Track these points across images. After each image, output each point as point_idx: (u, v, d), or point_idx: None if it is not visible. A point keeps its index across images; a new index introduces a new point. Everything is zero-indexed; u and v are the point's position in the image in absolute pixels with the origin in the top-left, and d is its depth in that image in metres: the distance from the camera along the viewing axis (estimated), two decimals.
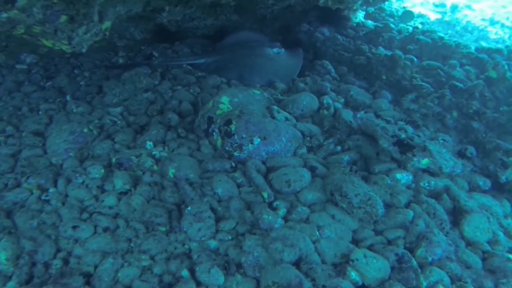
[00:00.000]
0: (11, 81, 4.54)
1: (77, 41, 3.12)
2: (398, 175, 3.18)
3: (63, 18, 2.91)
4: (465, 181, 3.43)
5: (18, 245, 2.49)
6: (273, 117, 3.70)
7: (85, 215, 2.84)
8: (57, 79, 4.66)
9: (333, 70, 5.07)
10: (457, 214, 3.03)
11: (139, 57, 5.42)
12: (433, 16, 8.61)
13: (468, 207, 2.99)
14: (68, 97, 4.30)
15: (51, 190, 3.02)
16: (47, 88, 4.52)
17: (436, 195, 3.15)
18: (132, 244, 2.65)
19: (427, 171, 3.29)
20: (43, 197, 2.96)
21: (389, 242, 2.71)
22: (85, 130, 3.54)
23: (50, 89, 4.50)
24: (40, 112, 3.97)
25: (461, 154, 3.62)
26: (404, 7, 8.16)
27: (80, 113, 3.97)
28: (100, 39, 3.51)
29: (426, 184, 3.19)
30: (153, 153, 3.42)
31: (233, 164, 3.28)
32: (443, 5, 9.35)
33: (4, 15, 2.43)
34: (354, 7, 5.18)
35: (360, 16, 6.62)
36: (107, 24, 3.45)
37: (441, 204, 3.04)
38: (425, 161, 3.22)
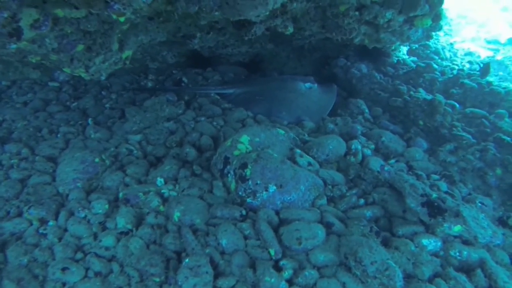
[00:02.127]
0: (40, 99, 4.63)
1: (94, 70, 3.05)
2: (425, 241, 2.83)
3: (80, 47, 2.84)
4: (506, 253, 2.99)
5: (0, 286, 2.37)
6: (294, 161, 3.47)
7: (79, 255, 2.72)
8: (83, 99, 4.69)
9: (367, 111, 4.78)
10: None
11: (168, 82, 5.39)
12: (484, 54, 8.10)
13: None
14: (90, 121, 4.27)
15: (51, 223, 2.94)
16: (72, 108, 4.57)
17: (468, 269, 2.76)
18: None
19: (459, 238, 2.92)
20: (41, 230, 2.87)
21: None
22: (97, 160, 3.45)
23: (74, 110, 4.54)
24: (58, 135, 3.99)
25: (502, 222, 3.20)
26: (451, 43, 7.73)
27: (97, 139, 3.93)
28: (120, 67, 3.43)
29: (457, 254, 2.82)
30: (163, 191, 3.26)
31: (244, 212, 3.05)
32: (496, 42, 8.81)
33: (13, 46, 2.38)
34: (393, 47, 4.88)
35: (402, 51, 6.30)
36: (127, 53, 3.37)
37: (473, 281, 2.65)
38: (457, 228, 2.86)
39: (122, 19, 2.46)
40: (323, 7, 3.58)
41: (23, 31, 2.20)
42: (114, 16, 2.32)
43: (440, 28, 4.47)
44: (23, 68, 5.21)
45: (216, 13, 2.74)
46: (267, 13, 2.80)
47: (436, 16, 3.62)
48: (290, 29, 3.62)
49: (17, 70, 5.21)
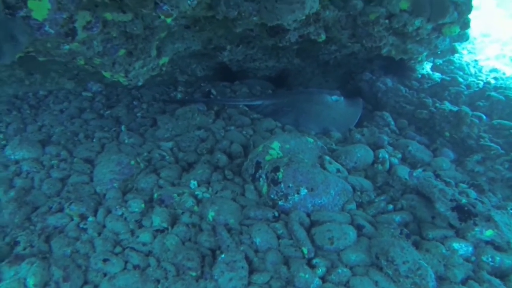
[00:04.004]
0: (75, 107, 4.84)
1: (133, 75, 3.22)
2: (456, 245, 2.85)
3: (122, 51, 3.02)
4: None
5: (48, 271, 2.49)
6: (324, 168, 3.55)
7: (118, 249, 2.81)
8: (116, 108, 4.88)
9: (392, 123, 4.85)
10: None
11: (197, 94, 5.56)
12: (509, 71, 8.09)
13: None
14: (123, 127, 4.44)
15: (90, 219, 3.05)
16: (105, 116, 4.76)
17: (502, 275, 2.76)
18: (159, 286, 2.55)
19: (491, 243, 2.93)
20: (81, 225, 2.99)
21: None
22: (132, 162, 3.58)
23: (108, 118, 4.72)
24: (94, 140, 4.16)
25: None
26: (476, 60, 7.76)
27: (131, 144, 4.08)
28: (156, 73, 3.61)
29: (490, 259, 2.82)
30: (196, 193, 3.37)
31: (276, 214, 3.13)
32: None
33: (66, 47, 2.56)
34: (420, 59, 4.97)
35: (426, 67, 6.37)
36: (164, 59, 3.55)
37: (508, 286, 2.66)
38: (489, 233, 2.88)
39: (169, 20, 2.62)
40: (353, 16, 3.73)
41: (77, 32, 2.38)
42: (162, 17, 2.49)
43: (467, 38, 4.54)
44: (59, 78, 5.50)
45: (254, 18, 2.88)
46: (303, 17, 2.94)
47: (464, 24, 3.72)
48: (323, 37, 3.76)
49: (54, 81, 5.50)
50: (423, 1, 3.61)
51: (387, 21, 3.69)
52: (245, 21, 3.13)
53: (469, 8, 3.73)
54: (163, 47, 3.47)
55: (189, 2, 2.38)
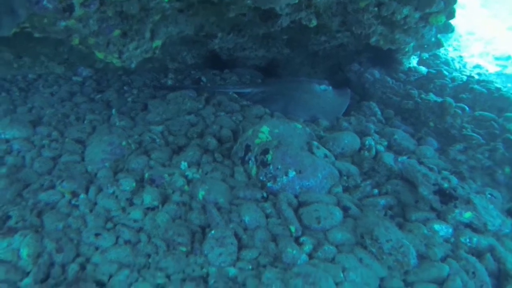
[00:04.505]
0: (65, 91, 4.83)
1: (127, 56, 3.25)
2: (437, 226, 2.98)
3: (116, 32, 3.06)
4: None
5: (41, 244, 2.53)
6: (312, 153, 3.63)
7: (109, 225, 2.86)
8: (106, 93, 4.89)
9: (379, 113, 4.96)
10: (502, 279, 2.78)
11: (187, 81, 5.59)
12: (492, 69, 8.31)
13: None
14: (113, 111, 4.45)
15: (82, 196, 3.08)
16: (96, 100, 4.76)
17: (478, 254, 2.91)
18: (150, 260, 2.61)
19: (469, 226, 3.06)
20: (73, 202, 3.03)
21: None
22: (124, 143, 3.63)
23: (98, 101, 4.73)
24: (85, 122, 4.17)
25: (511, 213, 3.36)
26: (460, 56, 7.95)
27: (122, 127, 4.10)
28: (149, 56, 3.64)
29: (467, 240, 2.96)
30: (186, 173, 3.43)
31: (265, 195, 3.22)
32: (505, 58, 9.02)
33: (63, 23, 2.59)
34: (406, 49, 5.10)
35: (413, 61, 6.51)
36: (157, 42, 3.59)
37: (483, 264, 2.80)
38: (467, 215, 3.01)
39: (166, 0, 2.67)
40: (344, 3, 3.82)
41: (75, 8, 2.42)
42: None
43: (452, 30, 4.67)
44: (48, 62, 5.48)
45: (248, 1, 2.94)
46: (296, 1, 3.00)
47: (450, 14, 3.85)
48: (314, 22, 3.84)
49: (43, 65, 5.48)
50: None
51: (376, 9, 3.79)
52: (238, 5, 3.19)
53: None
54: (157, 30, 3.50)
55: None
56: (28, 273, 2.38)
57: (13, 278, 2.32)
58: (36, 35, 2.79)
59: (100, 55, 3.32)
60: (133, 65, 3.54)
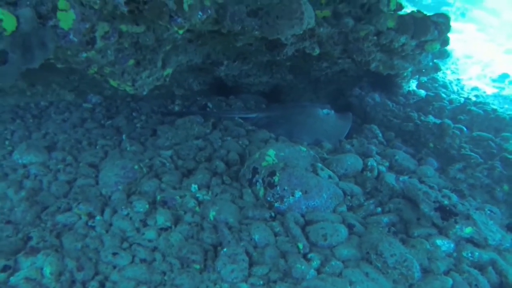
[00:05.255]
0: (77, 117, 5.04)
1: (139, 84, 3.46)
2: (439, 241, 3.10)
3: (131, 61, 3.27)
4: None
5: (63, 262, 2.66)
6: (316, 174, 3.78)
7: (125, 245, 2.99)
8: (116, 119, 5.09)
9: (380, 135, 5.13)
10: None
11: (194, 107, 5.78)
12: (490, 91, 8.53)
13: None
14: (124, 136, 4.64)
15: (98, 217, 3.23)
16: (106, 126, 4.95)
17: (480, 268, 3.01)
18: (165, 277, 2.74)
19: (470, 241, 3.18)
20: (90, 223, 3.17)
21: None
22: (136, 167, 3.78)
23: (109, 127, 4.92)
24: (97, 147, 4.36)
25: (510, 228, 3.47)
26: (458, 79, 8.18)
27: (133, 151, 4.27)
28: (160, 84, 3.84)
29: (469, 255, 3.07)
30: (197, 195, 3.57)
31: (273, 214, 3.36)
32: (501, 80, 9.25)
33: (84, 55, 2.80)
34: (405, 74, 5.32)
35: (412, 85, 6.72)
36: (168, 70, 3.79)
37: (485, 277, 2.91)
38: (468, 230, 3.13)
39: (181, 31, 2.88)
40: (345, 33, 4.05)
41: (97, 41, 2.63)
42: (175, 28, 2.74)
43: (448, 55, 4.90)
44: (60, 90, 5.70)
45: (256, 32, 3.16)
46: (301, 32, 3.23)
47: (444, 41, 4.08)
48: (317, 51, 4.06)
49: (55, 92, 5.70)
50: (408, 21, 3.97)
51: (375, 37, 4.03)
52: (247, 35, 3.41)
53: (447, 27, 4.12)
54: (168, 59, 3.72)
55: (199, 16, 2.65)
56: None
57: None
58: (59, 66, 3.00)
59: (114, 83, 3.52)
60: (144, 93, 3.74)
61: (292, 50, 4.02)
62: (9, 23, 2.01)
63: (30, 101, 5.58)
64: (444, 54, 4.81)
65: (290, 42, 3.84)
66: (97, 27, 2.56)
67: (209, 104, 5.82)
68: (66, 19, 2.32)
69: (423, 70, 5.75)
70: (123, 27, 2.83)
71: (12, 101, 5.49)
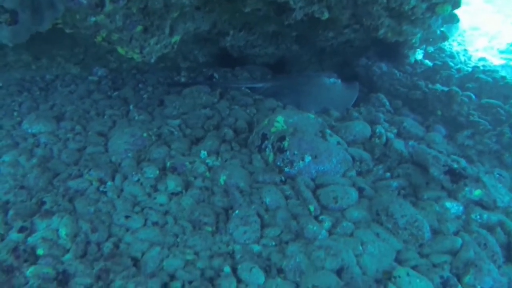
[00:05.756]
0: (83, 89, 5.04)
1: (147, 51, 3.44)
2: (448, 204, 3.13)
3: (139, 28, 3.24)
4: None
5: (77, 224, 2.70)
6: (325, 140, 3.78)
7: (137, 209, 3.02)
8: (123, 90, 5.09)
9: (387, 103, 5.11)
10: None
11: (200, 78, 5.76)
12: (497, 62, 8.43)
13: None
14: (131, 106, 4.64)
15: (109, 183, 3.25)
16: (113, 97, 4.96)
17: (488, 229, 3.04)
18: (178, 239, 2.77)
19: (479, 204, 3.21)
20: (101, 189, 3.20)
21: (434, 266, 2.65)
22: (145, 134, 3.80)
23: (116, 98, 4.92)
24: (105, 117, 4.37)
25: None
26: (465, 49, 8.09)
27: (141, 120, 4.28)
28: (168, 51, 3.81)
29: (478, 217, 3.10)
30: (207, 161, 3.59)
31: (283, 178, 3.38)
32: (509, 51, 9.14)
33: (93, 19, 2.78)
34: (413, 41, 5.25)
35: (419, 55, 6.65)
36: (176, 38, 3.76)
37: (494, 237, 2.94)
38: (477, 192, 3.15)
39: None
40: None
41: (106, 4, 2.60)
42: None
43: (457, 21, 4.83)
44: (65, 63, 5.70)
45: None
46: None
47: (456, 3, 4.01)
48: (326, 15, 4.01)
49: (60, 65, 5.70)
50: None
51: (385, 0, 3.96)
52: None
53: None
54: (175, 26, 3.68)
55: None
56: (68, 250, 2.55)
57: (56, 254, 2.49)
58: (67, 30, 2.97)
59: (122, 50, 3.50)
60: (152, 60, 3.72)
61: (301, 15, 3.96)
62: None
63: (35, 74, 5.57)
64: (454, 19, 4.74)
65: (299, 6, 3.78)
66: None
67: (215, 75, 5.79)
68: None
69: (431, 39, 5.68)
70: None
71: (17, 75, 5.48)
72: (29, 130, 3.92)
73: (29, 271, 2.35)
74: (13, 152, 3.52)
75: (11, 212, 2.81)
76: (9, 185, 3.13)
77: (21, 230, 2.61)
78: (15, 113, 4.40)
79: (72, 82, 5.42)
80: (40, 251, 2.49)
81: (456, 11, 4.54)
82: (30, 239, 2.57)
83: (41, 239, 2.54)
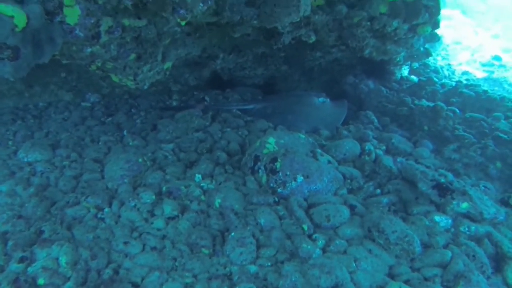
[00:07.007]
0: (77, 116, 5.11)
1: (141, 78, 3.55)
2: (437, 218, 3.22)
3: (132, 56, 3.36)
4: (509, 230, 3.39)
5: (77, 252, 2.75)
6: (316, 159, 3.88)
7: (135, 234, 3.08)
8: (116, 116, 5.17)
9: (376, 120, 5.25)
10: (499, 261, 3.01)
11: (191, 101, 5.86)
12: (480, 75, 8.69)
13: None
14: (125, 132, 4.73)
15: (106, 209, 3.31)
16: (107, 123, 5.04)
17: (477, 241, 3.14)
18: (176, 263, 2.83)
19: (467, 216, 3.31)
20: (99, 215, 3.26)
21: (426, 279, 2.73)
22: (140, 160, 3.87)
23: (109, 124, 5.00)
24: (100, 143, 4.45)
25: (504, 202, 3.61)
26: (449, 64, 8.32)
27: (135, 146, 4.36)
28: (160, 78, 3.92)
29: (466, 229, 3.19)
30: (201, 184, 3.67)
31: (276, 199, 3.46)
32: (490, 64, 9.42)
33: (89, 49, 2.89)
34: (397, 59, 5.43)
35: (404, 71, 6.84)
36: (168, 64, 3.89)
37: (482, 248, 3.04)
38: (464, 205, 3.26)
39: (183, 23, 2.96)
40: (339, 20, 4.16)
41: (101, 35, 2.71)
42: (178, 20, 2.82)
43: (438, 39, 5.02)
44: (58, 90, 5.77)
45: (255, 21, 3.26)
46: (298, 19, 3.33)
47: (435, 24, 4.22)
48: (313, 38, 4.18)
49: (53, 93, 5.77)
50: (399, 5, 4.09)
51: (368, 23, 4.15)
52: (245, 25, 3.50)
53: (438, 10, 4.25)
54: (167, 53, 3.81)
55: (200, 6, 2.73)
56: (69, 278, 2.59)
57: (57, 282, 2.54)
58: (64, 61, 3.07)
59: (115, 78, 3.60)
60: (145, 87, 3.83)
61: (289, 38, 4.12)
62: (20, 20, 2.10)
63: (28, 102, 5.62)
64: (435, 38, 4.95)
65: (287, 31, 3.94)
66: (101, 21, 2.65)
67: (206, 98, 5.91)
68: (72, 14, 2.41)
69: (415, 56, 5.87)
70: (126, 21, 2.91)
71: (10, 103, 5.53)
72: (25, 159, 3.98)
73: None
74: (10, 181, 3.57)
75: (10, 243, 2.85)
76: (7, 215, 3.18)
77: (21, 260, 2.65)
78: (10, 142, 4.45)
79: (65, 109, 5.49)
80: (41, 281, 2.53)
81: (440, 25, 4.73)
82: (30, 269, 2.61)
83: (41, 269, 2.58)
